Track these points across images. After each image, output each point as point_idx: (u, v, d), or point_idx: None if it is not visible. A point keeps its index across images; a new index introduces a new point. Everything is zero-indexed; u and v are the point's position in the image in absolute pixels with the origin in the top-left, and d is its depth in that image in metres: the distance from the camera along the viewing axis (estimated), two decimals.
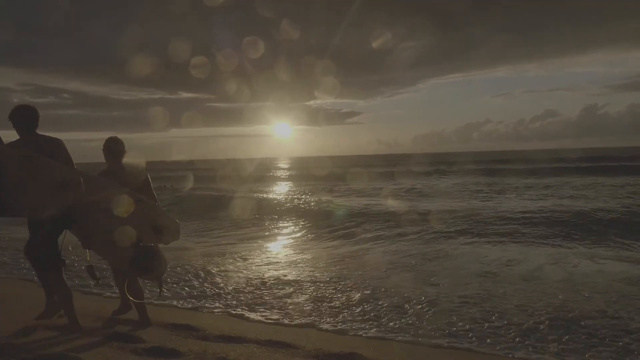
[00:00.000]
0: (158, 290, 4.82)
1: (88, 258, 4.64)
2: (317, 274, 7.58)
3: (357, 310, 5.70)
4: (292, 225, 14.01)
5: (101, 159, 4.87)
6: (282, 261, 8.87)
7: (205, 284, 6.98)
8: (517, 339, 4.79)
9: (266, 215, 15.85)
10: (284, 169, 67.61)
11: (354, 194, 23.14)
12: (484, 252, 9.38)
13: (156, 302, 5.71)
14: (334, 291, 6.53)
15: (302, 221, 14.35)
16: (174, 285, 6.87)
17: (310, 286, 6.83)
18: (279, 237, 12.36)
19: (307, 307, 5.87)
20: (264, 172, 51.28)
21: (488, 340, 4.77)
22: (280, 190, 29.26)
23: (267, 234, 12.82)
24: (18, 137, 4.22)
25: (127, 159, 4.85)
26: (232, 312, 5.74)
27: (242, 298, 6.30)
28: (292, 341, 4.45)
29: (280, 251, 10.31)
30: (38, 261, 4.24)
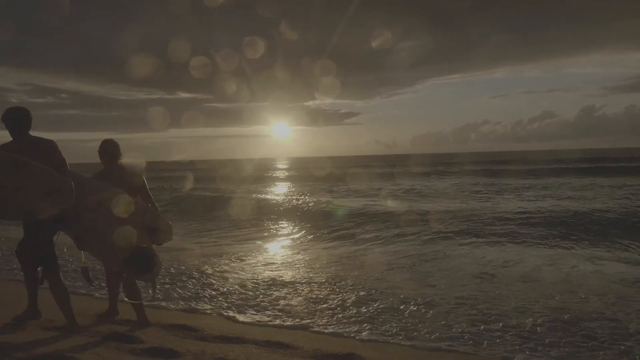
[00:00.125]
0: (151, 290, 4.83)
1: (83, 259, 4.62)
2: (315, 275, 7.59)
3: (355, 312, 5.70)
4: (291, 226, 14.01)
5: (99, 159, 4.88)
6: (281, 262, 8.88)
7: (204, 285, 6.98)
8: (515, 342, 4.76)
9: (265, 215, 15.84)
10: (282, 169, 67.61)
11: (352, 195, 23.15)
12: (482, 253, 9.40)
13: (152, 302, 5.70)
14: (331, 292, 6.54)
15: (301, 222, 14.35)
16: (172, 286, 6.87)
17: (307, 287, 6.83)
18: (278, 238, 12.37)
19: (304, 308, 5.88)
20: (262, 173, 51.30)
21: (485, 343, 4.75)
22: (279, 190, 29.27)
23: (266, 234, 12.82)
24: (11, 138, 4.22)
25: (122, 161, 4.87)
26: (230, 312, 5.74)
27: (240, 299, 6.31)
28: (290, 342, 4.46)
29: (279, 252, 10.32)
30: (42, 261, 4.23)
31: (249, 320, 5.47)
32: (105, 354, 3.81)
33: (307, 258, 9.27)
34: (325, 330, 5.11)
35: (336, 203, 17.90)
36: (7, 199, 3.87)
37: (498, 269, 7.94)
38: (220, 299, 6.31)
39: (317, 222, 13.94)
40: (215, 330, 4.79)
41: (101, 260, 5.01)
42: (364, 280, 7.19)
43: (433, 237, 11.12)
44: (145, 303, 4.93)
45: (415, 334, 4.99)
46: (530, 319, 5.33)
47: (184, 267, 7.99)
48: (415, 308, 5.77)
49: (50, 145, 4.23)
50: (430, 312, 5.64)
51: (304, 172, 46.52)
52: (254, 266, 8.39)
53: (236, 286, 6.88)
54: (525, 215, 13.33)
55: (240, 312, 5.75)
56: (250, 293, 6.55)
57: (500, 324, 5.21)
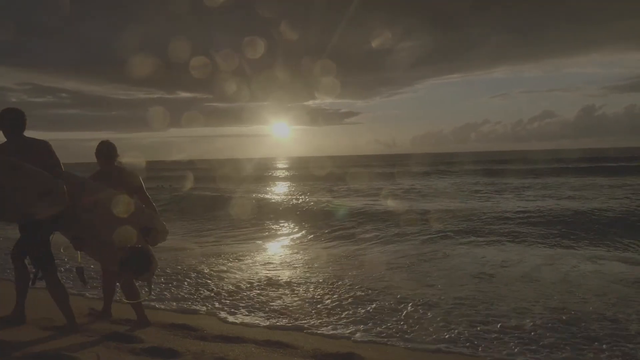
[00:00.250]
0: (147, 290, 4.83)
1: (79, 260, 4.62)
2: (314, 275, 7.59)
3: (354, 312, 5.69)
4: (291, 226, 14.01)
5: (96, 160, 4.89)
6: (281, 262, 8.87)
7: (204, 285, 6.98)
8: (514, 343, 4.74)
9: (265, 215, 15.84)
10: (282, 168, 67.59)
11: (352, 194, 23.15)
12: (482, 253, 9.39)
13: (151, 302, 5.71)
14: (330, 292, 6.53)
15: (301, 221, 14.35)
16: (171, 286, 6.87)
17: (307, 287, 6.83)
18: (278, 238, 12.36)
19: (304, 308, 5.87)
20: (262, 172, 51.29)
21: (483, 344, 4.72)
22: (279, 190, 29.27)
23: (265, 234, 12.82)
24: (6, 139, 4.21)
25: (121, 161, 4.88)
26: (230, 312, 5.74)
27: (239, 298, 6.30)
28: (290, 341, 4.46)
29: (279, 251, 10.32)
30: (40, 261, 4.23)
31: (248, 320, 5.46)
32: (104, 353, 3.81)
33: (306, 258, 9.26)
34: (325, 330, 5.10)
35: (336, 203, 17.90)
36: (5, 200, 3.87)
37: (497, 269, 7.93)
38: (219, 298, 6.31)
39: (316, 221, 13.94)
40: (215, 329, 4.79)
41: (99, 261, 5.01)
42: (363, 280, 7.18)
43: (432, 236, 11.11)
44: (143, 303, 4.93)
45: (413, 335, 4.96)
46: (530, 320, 5.30)
47: (182, 267, 7.99)
48: (413, 308, 5.76)
49: (45, 146, 4.23)
50: (429, 312, 5.62)
51: (304, 171, 46.53)
52: (253, 266, 8.38)
53: (236, 286, 6.88)
54: (525, 215, 13.33)
55: (240, 312, 5.74)
56: (250, 293, 6.55)
57: (499, 325, 5.18)
